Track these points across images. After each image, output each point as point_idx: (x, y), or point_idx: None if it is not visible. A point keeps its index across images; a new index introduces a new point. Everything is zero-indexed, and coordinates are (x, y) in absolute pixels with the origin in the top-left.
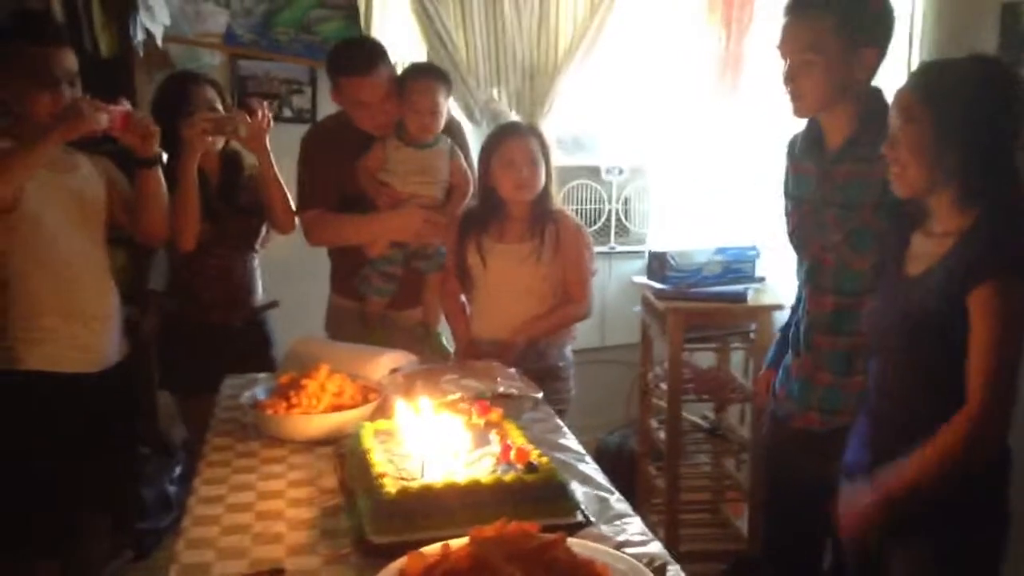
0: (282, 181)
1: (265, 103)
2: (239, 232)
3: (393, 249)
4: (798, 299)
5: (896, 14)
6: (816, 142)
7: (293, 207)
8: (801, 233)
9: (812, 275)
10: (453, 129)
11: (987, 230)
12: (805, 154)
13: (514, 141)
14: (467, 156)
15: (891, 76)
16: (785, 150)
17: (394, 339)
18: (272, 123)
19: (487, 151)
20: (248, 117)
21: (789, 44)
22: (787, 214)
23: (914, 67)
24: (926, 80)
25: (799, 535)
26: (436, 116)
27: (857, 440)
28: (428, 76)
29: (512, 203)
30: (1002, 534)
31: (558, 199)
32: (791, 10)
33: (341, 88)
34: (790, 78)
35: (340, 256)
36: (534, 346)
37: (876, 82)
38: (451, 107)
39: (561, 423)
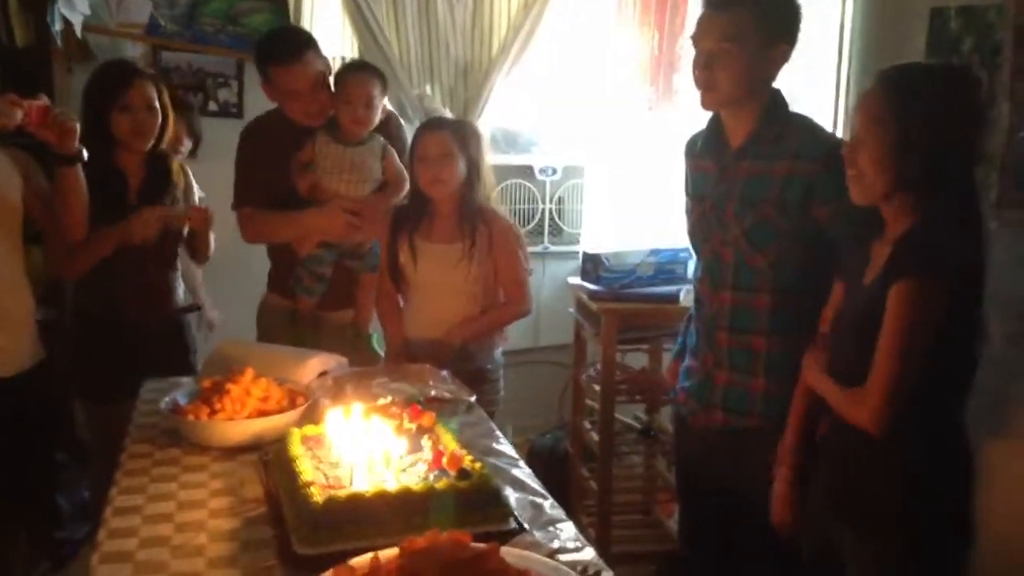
0: (211, 237)
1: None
2: (161, 238)
3: (322, 248)
4: (697, 300)
5: (825, 14)
6: (717, 140)
7: (211, 248)
8: (701, 230)
9: (711, 272)
10: (392, 127)
11: (918, 232)
12: (705, 152)
13: (428, 135)
14: (403, 153)
15: (822, 82)
16: (684, 150)
17: (324, 340)
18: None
19: (411, 147)
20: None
21: (707, 34)
22: (688, 213)
23: (844, 73)
24: (892, 84)
25: (713, 532)
26: (370, 109)
27: None
28: (363, 70)
29: (438, 201)
30: (966, 544)
31: (493, 197)
32: (712, 2)
33: (271, 78)
34: (705, 67)
35: (276, 254)
36: (464, 348)
37: (807, 84)
38: (390, 106)
39: (494, 426)
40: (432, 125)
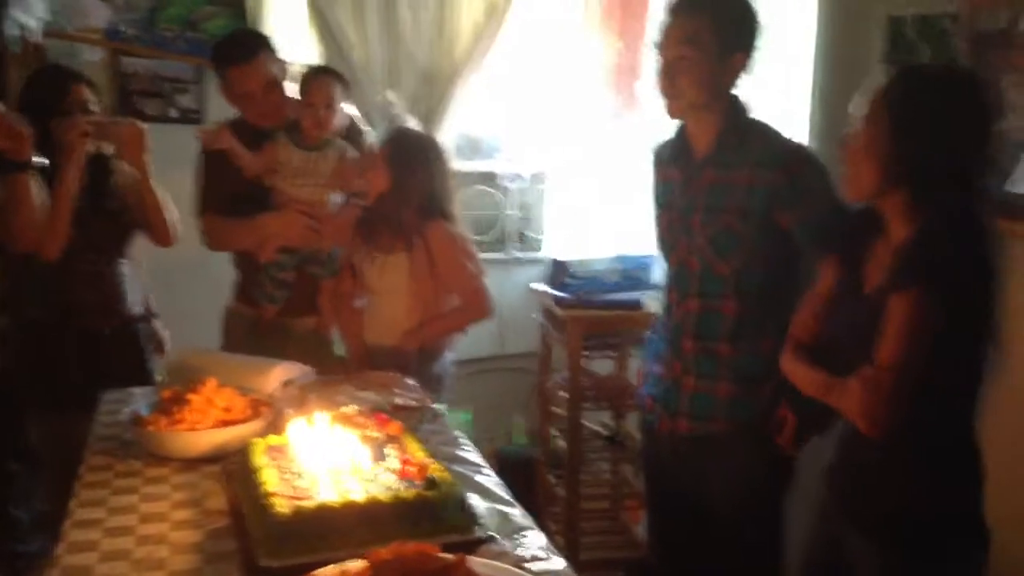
0: (160, 194)
1: (137, 121)
2: (106, 237)
3: (284, 254)
4: (665, 308)
5: (790, 22)
6: (683, 149)
7: (171, 222)
8: (668, 238)
9: (679, 279)
10: (353, 131)
11: (918, 242)
12: (672, 161)
13: (315, 81)
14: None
15: (783, 88)
16: (652, 158)
17: (288, 348)
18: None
19: None
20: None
21: (669, 40)
22: (656, 221)
23: (812, 78)
24: (891, 83)
25: (681, 539)
26: (330, 111)
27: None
28: (324, 73)
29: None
30: (980, 546)
31: (455, 206)
32: (672, 10)
33: (227, 80)
34: (668, 75)
35: (241, 263)
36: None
37: (776, 92)
38: (353, 113)
39: (460, 434)
40: (317, 72)
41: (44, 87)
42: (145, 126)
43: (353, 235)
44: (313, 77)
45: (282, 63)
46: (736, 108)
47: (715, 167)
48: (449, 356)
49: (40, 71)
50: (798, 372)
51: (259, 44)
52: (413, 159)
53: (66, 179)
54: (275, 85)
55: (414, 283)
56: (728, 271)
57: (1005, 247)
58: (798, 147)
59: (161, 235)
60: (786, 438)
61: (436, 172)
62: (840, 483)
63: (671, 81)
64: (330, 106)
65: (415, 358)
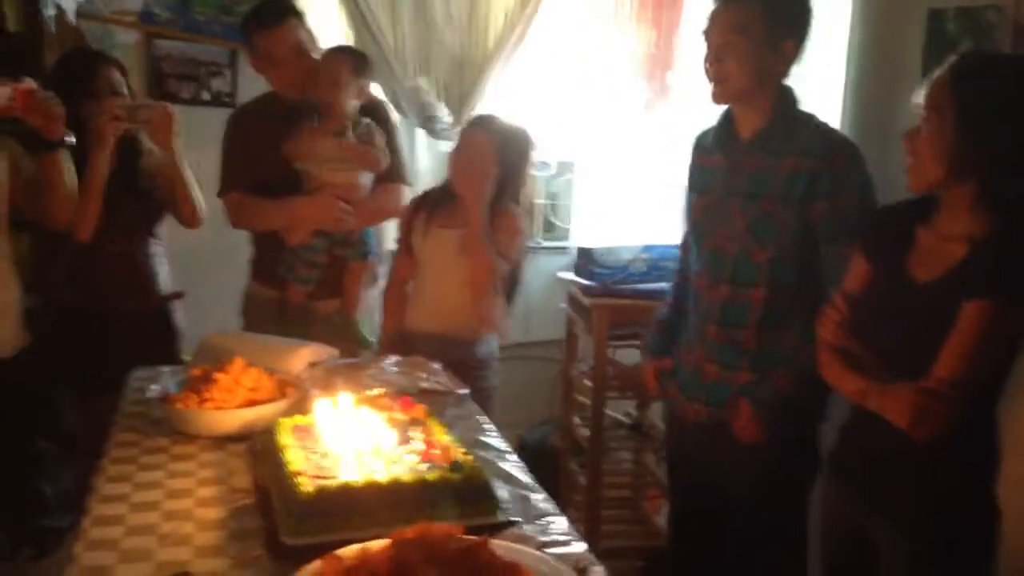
0: (189, 176)
1: (167, 103)
2: (136, 218)
3: (317, 237)
4: (678, 295)
5: (823, 15)
6: (728, 134)
7: (199, 204)
8: (705, 223)
9: (712, 265)
10: (380, 113)
11: (999, 244)
12: (716, 146)
13: (471, 132)
14: (391, 138)
15: (826, 82)
16: (693, 144)
17: (312, 330)
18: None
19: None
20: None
21: (717, 27)
22: (690, 207)
23: (844, 71)
24: (956, 72)
25: (702, 527)
26: (335, 89)
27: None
28: (336, 51)
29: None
30: (992, 526)
31: (531, 201)
32: None
33: (255, 47)
34: (716, 59)
35: (262, 242)
36: (453, 335)
37: (809, 85)
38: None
39: (485, 419)
40: (480, 124)
41: (74, 69)
42: (175, 109)
43: (412, 213)
44: (324, 55)
45: (311, 32)
46: (787, 98)
47: (760, 154)
48: (495, 340)
49: (70, 53)
50: (838, 378)
51: (288, 10)
52: (523, 151)
53: (97, 161)
54: (305, 52)
55: (464, 257)
56: (764, 258)
57: None
58: (844, 139)
59: (189, 217)
60: (743, 426)
61: (530, 163)
62: (857, 471)
63: (719, 65)
64: (336, 83)
65: (462, 346)
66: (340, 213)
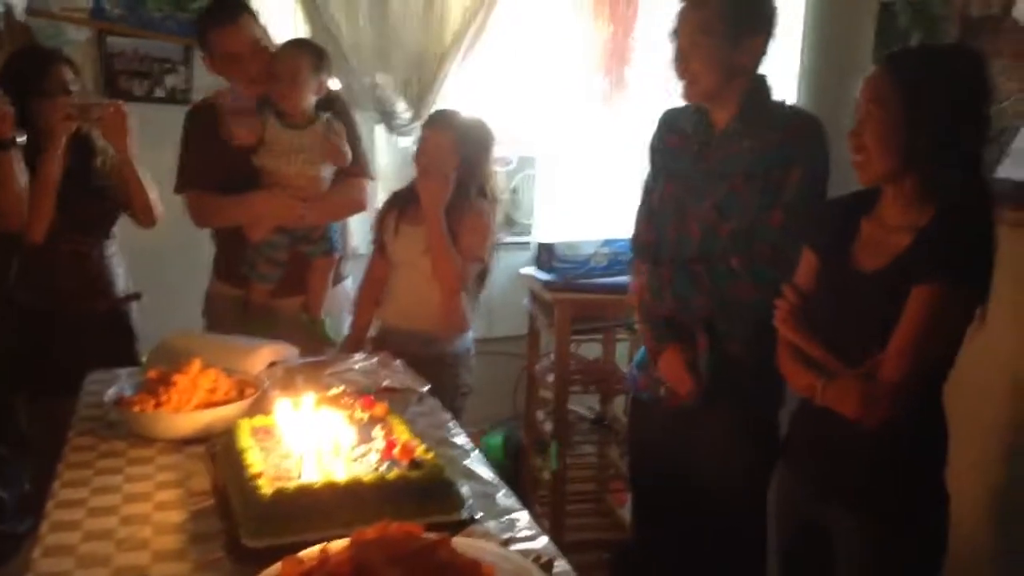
0: (143, 176)
1: (120, 102)
2: (91, 217)
3: (277, 234)
4: (655, 289)
5: (781, 7)
6: (702, 122)
7: (155, 204)
8: (670, 206)
9: (678, 249)
10: (338, 106)
11: (942, 229)
12: (689, 131)
13: (431, 132)
14: (351, 131)
15: (779, 75)
16: (660, 120)
17: (276, 329)
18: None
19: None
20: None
21: (683, 29)
22: (647, 190)
23: (800, 63)
24: (895, 65)
25: (667, 519)
26: (295, 85)
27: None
28: (292, 45)
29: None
30: (940, 509)
31: (498, 195)
32: None
33: (210, 46)
34: (683, 61)
35: (224, 240)
36: (426, 333)
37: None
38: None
39: (448, 416)
40: (438, 121)
41: (24, 67)
42: (128, 108)
43: (384, 212)
44: (280, 50)
45: (265, 29)
46: (759, 89)
47: (731, 140)
48: (470, 335)
49: (19, 52)
50: (790, 374)
51: (241, 7)
52: (484, 144)
53: (48, 161)
54: (261, 48)
55: (428, 254)
56: (727, 231)
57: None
58: (808, 116)
59: (144, 216)
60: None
61: (491, 155)
62: (809, 459)
63: (687, 67)
64: (295, 79)
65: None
66: (297, 210)
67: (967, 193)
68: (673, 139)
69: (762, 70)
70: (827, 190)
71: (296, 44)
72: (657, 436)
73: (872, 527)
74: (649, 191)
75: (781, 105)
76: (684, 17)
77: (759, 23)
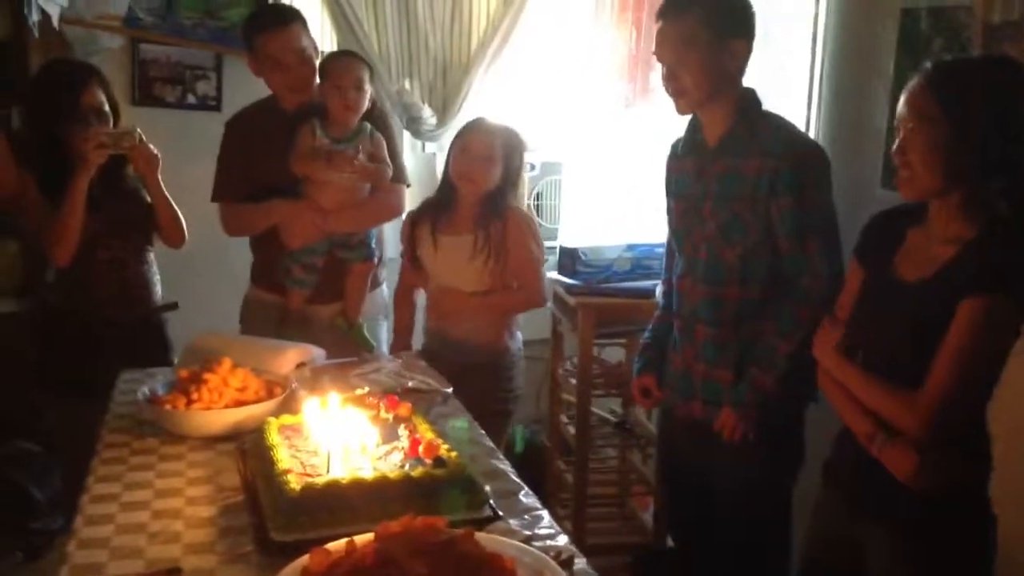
0: (170, 200)
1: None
2: (128, 219)
3: (316, 240)
4: (667, 304)
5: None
6: (696, 140)
7: (180, 225)
8: (682, 226)
9: (691, 268)
10: (376, 114)
11: (990, 243)
12: (686, 153)
13: (477, 133)
14: (391, 140)
15: (795, 79)
16: (668, 154)
17: (312, 336)
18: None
19: (457, 137)
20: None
21: (664, 45)
22: (669, 212)
23: (818, 70)
24: (940, 80)
25: (697, 525)
26: (360, 92)
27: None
28: (349, 55)
29: (463, 194)
30: (985, 529)
31: (523, 202)
32: (662, 15)
33: (257, 49)
34: (670, 77)
35: (260, 246)
36: (468, 340)
37: (780, 83)
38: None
39: (468, 417)
40: (482, 126)
41: (56, 89)
42: (159, 115)
43: (413, 224)
44: (338, 59)
45: (313, 41)
46: (748, 100)
47: (725, 156)
48: (519, 336)
49: (51, 67)
50: (845, 412)
51: (293, 13)
52: (521, 154)
53: (79, 184)
54: (307, 58)
55: (484, 267)
56: (733, 256)
57: None
58: (807, 140)
59: (174, 239)
60: (730, 430)
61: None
62: (848, 478)
63: (675, 82)
64: (360, 88)
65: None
66: (313, 227)
67: (1014, 206)
68: (678, 165)
69: (769, 77)
70: (835, 213)
71: (350, 54)
72: (685, 443)
73: (912, 546)
74: (668, 212)
75: (775, 120)
76: (665, 33)
77: (740, 25)
